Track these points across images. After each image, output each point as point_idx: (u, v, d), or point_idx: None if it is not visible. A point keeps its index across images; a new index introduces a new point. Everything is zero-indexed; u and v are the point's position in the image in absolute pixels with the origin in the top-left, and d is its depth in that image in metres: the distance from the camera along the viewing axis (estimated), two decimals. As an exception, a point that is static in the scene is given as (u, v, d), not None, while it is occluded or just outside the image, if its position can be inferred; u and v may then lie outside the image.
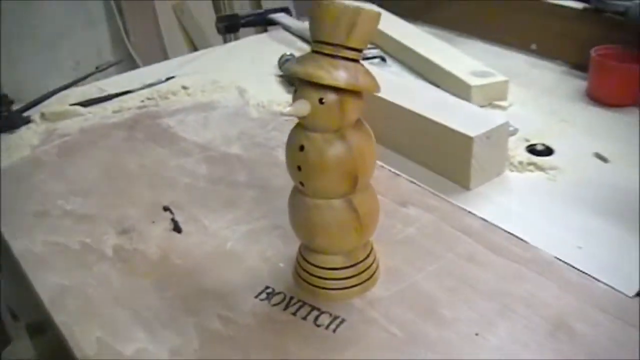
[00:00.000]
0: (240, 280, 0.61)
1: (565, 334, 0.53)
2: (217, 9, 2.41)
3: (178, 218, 0.70)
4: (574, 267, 0.61)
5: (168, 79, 1.04)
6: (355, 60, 0.51)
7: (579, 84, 0.97)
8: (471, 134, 0.70)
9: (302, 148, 0.52)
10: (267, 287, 0.60)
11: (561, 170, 0.76)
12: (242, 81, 1.02)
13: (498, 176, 0.75)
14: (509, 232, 0.66)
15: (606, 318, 0.55)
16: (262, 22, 1.25)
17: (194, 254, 0.65)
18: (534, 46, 1.07)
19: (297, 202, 0.56)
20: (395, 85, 0.84)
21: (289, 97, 0.95)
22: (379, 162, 0.76)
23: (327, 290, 0.58)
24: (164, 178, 0.78)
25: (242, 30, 1.25)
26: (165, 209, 0.72)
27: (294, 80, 0.55)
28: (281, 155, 0.80)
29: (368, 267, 0.59)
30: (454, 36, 1.19)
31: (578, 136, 0.83)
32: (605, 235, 0.65)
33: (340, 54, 0.50)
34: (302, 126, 0.53)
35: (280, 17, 1.25)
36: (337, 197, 0.54)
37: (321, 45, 0.50)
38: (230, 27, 1.23)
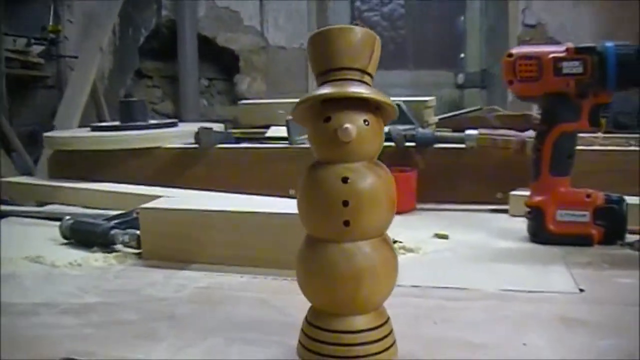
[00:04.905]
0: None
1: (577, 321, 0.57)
2: None
3: (97, 363, 0.51)
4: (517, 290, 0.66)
5: None
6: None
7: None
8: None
9: (345, 180, 0.48)
10: (294, 382, 0.48)
11: (424, 249, 0.82)
12: (23, 254, 0.81)
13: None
14: (444, 287, 0.68)
15: (588, 306, 0.61)
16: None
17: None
18: (292, 191, 1.14)
19: (333, 257, 0.48)
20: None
21: (100, 256, 0.80)
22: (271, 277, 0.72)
23: (372, 357, 0.50)
24: (25, 336, 0.56)
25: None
26: (67, 359, 0.52)
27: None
28: (159, 292, 0.67)
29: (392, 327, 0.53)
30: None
31: (401, 230, 0.91)
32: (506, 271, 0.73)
33: (364, 80, 0.50)
34: (335, 161, 0.49)
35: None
36: (379, 234, 0.50)
37: (345, 72, 0.49)
38: None
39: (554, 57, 0.79)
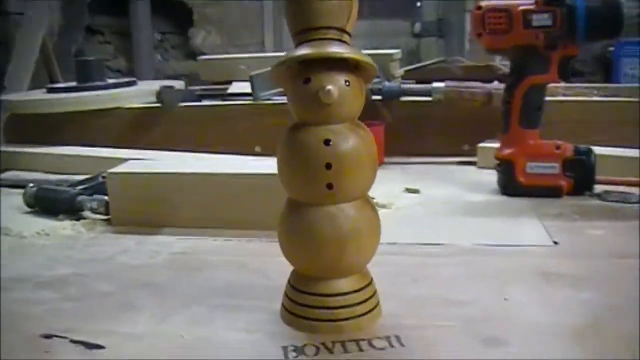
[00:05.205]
0: (245, 353, 0.47)
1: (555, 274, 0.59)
2: None
3: (79, 339, 0.50)
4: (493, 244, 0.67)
5: None
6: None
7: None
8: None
9: (327, 142, 0.47)
10: (285, 347, 0.48)
11: (396, 205, 0.82)
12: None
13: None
14: (421, 243, 0.68)
15: (565, 259, 0.62)
16: None
17: (147, 354, 0.47)
18: (258, 148, 1.13)
19: (317, 220, 0.48)
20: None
21: (68, 224, 0.78)
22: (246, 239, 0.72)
23: (357, 319, 0.50)
24: (2, 314, 0.55)
25: None
26: (48, 336, 0.51)
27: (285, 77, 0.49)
28: (133, 259, 0.66)
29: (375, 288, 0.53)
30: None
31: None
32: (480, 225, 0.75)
33: (343, 39, 0.48)
34: (317, 122, 0.47)
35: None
36: (362, 195, 0.50)
37: (323, 31, 0.48)
38: None
39: (523, 10, 0.79)
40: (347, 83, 0.47)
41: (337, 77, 0.47)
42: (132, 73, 2.68)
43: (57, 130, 1.16)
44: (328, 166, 0.47)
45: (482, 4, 0.81)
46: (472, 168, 1.02)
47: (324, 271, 0.50)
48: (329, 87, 0.45)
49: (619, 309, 0.51)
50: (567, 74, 0.80)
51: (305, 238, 0.49)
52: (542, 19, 0.78)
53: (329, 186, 0.47)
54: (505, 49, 0.82)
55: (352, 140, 0.47)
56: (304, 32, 0.48)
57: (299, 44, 0.48)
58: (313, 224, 0.48)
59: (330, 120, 0.47)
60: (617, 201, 0.79)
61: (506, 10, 0.79)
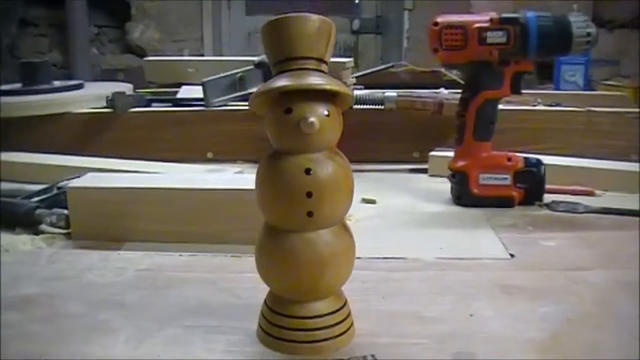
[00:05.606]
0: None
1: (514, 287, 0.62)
2: None
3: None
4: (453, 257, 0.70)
5: None
6: (326, 77, 0.51)
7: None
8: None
9: (308, 171, 0.48)
10: (264, 372, 0.49)
11: (356, 216, 0.84)
12: None
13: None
14: (385, 257, 0.70)
15: (522, 272, 0.66)
16: None
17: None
18: (210, 154, 1.13)
19: (297, 246, 0.49)
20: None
21: (27, 238, 0.76)
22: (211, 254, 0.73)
23: (334, 339, 0.52)
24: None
25: None
26: (23, 366, 0.50)
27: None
28: (100, 277, 0.66)
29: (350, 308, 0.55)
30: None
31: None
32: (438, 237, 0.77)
33: (321, 68, 0.50)
34: (297, 151, 0.49)
35: None
36: (340, 220, 0.52)
37: (302, 62, 0.49)
38: None
39: (478, 27, 0.82)
40: (327, 113, 0.48)
41: (317, 108, 0.48)
42: (67, 67, 2.61)
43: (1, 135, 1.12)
44: (309, 195, 0.48)
45: (439, 20, 0.83)
46: (423, 176, 1.05)
47: (303, 294, 0.51)
48: (312, 119, 0.46)
49: (577, 320, 0.55)
50: (519, 88, 0.84)
51: (286, 264, 0.50)
52: (496, 36, 0.81)
53: (309, 214, 0.48)
54: (461, 64, 0.86)
55: (331, 169, 0.49)
56: (283, 62, 0.49)
57: (278, 72, 0.49)
58: (293, 250, 0.49)
59: (310, 149, 0.49)
60: (565, 211, 0.84)
61: (462, 27, 0.82)
